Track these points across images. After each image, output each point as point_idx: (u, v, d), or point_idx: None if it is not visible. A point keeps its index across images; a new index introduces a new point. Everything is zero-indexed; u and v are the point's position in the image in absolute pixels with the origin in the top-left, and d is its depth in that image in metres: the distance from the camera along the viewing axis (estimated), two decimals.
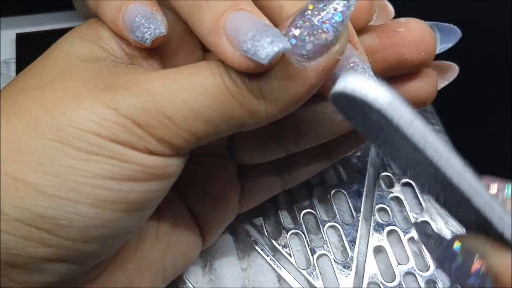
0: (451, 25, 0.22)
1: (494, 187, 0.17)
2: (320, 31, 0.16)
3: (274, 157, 0.24)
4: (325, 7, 0.16)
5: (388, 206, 0.30)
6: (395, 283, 0.27)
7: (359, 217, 0.29)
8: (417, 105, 0.23)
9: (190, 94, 0.16)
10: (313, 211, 0.29)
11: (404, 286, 0.26)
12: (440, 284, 0.27)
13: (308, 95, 0.17)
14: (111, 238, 0.17)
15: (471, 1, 0.33)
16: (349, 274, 0.27)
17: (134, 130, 0.16)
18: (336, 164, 0.32)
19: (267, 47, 0.15)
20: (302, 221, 0.29)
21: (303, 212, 0.29)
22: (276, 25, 0.16)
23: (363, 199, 0.30)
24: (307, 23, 0.16)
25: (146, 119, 0.16)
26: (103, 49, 0.18)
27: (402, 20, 0.20)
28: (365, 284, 0.26)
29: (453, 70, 0.24)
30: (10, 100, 0.17)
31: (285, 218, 0.29)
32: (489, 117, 0.36)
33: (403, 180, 0.31)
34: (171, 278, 0.23)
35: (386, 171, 0.31)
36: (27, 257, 0.15)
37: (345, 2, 0.16)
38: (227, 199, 0.24)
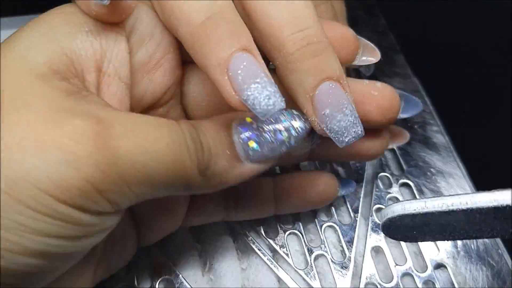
0: (416, 98, 0.25)
1: None
2: (273, 145, 0.19)
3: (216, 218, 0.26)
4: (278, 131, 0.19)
5: (386, 206, 0.30)
6: (392, 284, 0.27)
7: (357, 217, 0.29)
8: (362, 159, 0.27)
9: (151, 162, 0.16)
10: (311, 211, 0.29)
11: (401, 287, 0.27)
12: (438, 285, 0.27)
13: (239, 182, 0.19)
14: (55, 275, 0.17)
15: (471, 1, 0.33)
16: (346, 274, 0.27)
17: (92, 195, 0.15)
18: (335, 164, 0.32)
19: (266, 106, 0.17)
20: (300, 221, 0.29)
21: (301, 212, 0.29)
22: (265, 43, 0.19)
23: (361, 199, 0.30)
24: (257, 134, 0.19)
25: (107, 184, 0.15)
26: (66, 56, 0.17)
27: (378, 84, 0.22)
28: (362, 285, 0.27)
29: (405, 137, 0.27)
30: None
31: (283, 218, 0.29)
32: (489, 117, 0.36)
33: (401, 181, 0.31)
34: (100, 276, 0.22)
35: (384, 171, 0.31)
36: None
37: (295, 134, 0.19)
38: (172, 209, 0.24)
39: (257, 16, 0.19)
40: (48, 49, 0.17)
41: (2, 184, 0.14)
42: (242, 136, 0.19)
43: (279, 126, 0.19)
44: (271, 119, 0.19)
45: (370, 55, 0.24)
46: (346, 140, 0.19)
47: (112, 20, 0.18)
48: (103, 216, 0.16)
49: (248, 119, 0.19)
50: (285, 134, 0.19)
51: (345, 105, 0.18)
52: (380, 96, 0.22)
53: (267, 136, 0.19)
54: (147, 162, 0.16)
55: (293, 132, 0.19)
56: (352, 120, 0.18)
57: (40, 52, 0.16)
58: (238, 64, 0.17)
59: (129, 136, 0.16)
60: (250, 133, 0.19)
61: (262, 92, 0.17)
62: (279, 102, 0.17)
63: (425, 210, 0.17)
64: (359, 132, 0.19)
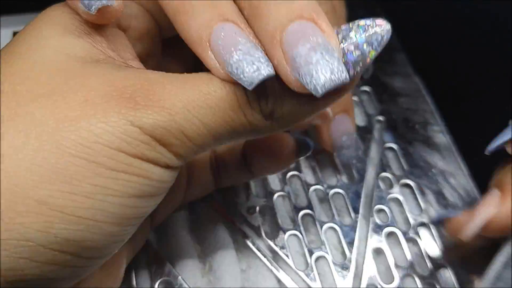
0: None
1: None
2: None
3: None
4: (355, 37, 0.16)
5: (387, 207, 0.29)
6: (394, 285, 0.26)
7: (358, 218, 0.29)
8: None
9: (206, 113, 0.16)
10: (311, 212, 0.29)
11: None
12: (439, 286, 0.27)
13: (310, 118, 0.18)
14: (117, 249, 0.17)
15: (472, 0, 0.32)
16: (347, 275, 0.27)
17: (157, 148, 0.16)
18: (336, 164, 0.31)
19: (252, 74, 0.15)
20: (300, 222, 0.28)
21: (301, 213, 0.29)
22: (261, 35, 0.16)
23: (362, 200, 0.30)
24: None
25: (167, 137, 0.16)
26: (97, 48, 0.18)
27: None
28: (363, 286, 0.26)
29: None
30: (17, 110, 0.15)
31: (283, 219, 0.29)
32: (491, 116, 0.36)
33: (402, 181, 0.31)
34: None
35: (385, 171, 0.31)
36: (47, 279, 0.15)
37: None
38: (177, 183, 0.24)
39: None
40: (80, 43, 0.17)
41: (76, 151, 0.15)
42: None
43: (350, 47, 0.16)
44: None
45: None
46: (322, 83, 0.15)
47: (101, 23, 0.18)
48: (170, 169, 0.17)
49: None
50: (356, 52, 0.16)
51: (321, 44, 0.15)
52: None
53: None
54: (203, 116, 0.16)
55: (366, 48, 0.16)
56: (328, 59, 0.15)
57: (77, 46, 0.17)
58: (218, 36, 0.16)
59: (181, 93, 0.16)
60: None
61: (244, 59, 0.15)
62: (264, 67, 0.15)
63: None
64: (342, 74, 0.15)
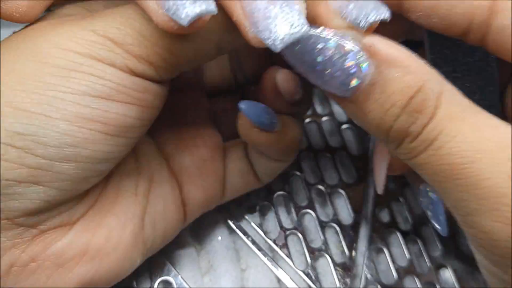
0: None
1: None
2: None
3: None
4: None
5: (387, 206, 0.29)
6: (393, 284, 0.26)
7: (359, 217, 0.29)
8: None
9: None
10: (312, 212, 0.29)
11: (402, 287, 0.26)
12: (439, 286, 0.27)
13: None
14: (87, 160, 0.17)
15: None
16: (347, 275, 0.27)
17: (112, 48, 0.16)
18: (336, 164, 0.31)
19: (188, 6, 0.14)
20: (300, 221, 0.28)
21: (302, 212, 0.29)
22: None
23: (363, 199, 0.30)
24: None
25: (122, 37, 0.16)
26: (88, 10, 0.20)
27: None
28: (363, 285, 0.26)
29: None
30: (18, 36, 0.18)
31: (283, 219, 0.29)
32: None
33: (404, 180, 0.31)
34: (151, 243, 0.23)
35: None
36: (3, 179, 0.16)
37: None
38: (209, 174, 0.24)
39: None
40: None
41: (32, 55, 0.16)
42: None
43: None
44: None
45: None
46: (280, 38, 0.14)
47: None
48: (136, 77, 0.17)
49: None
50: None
51: None
52: None
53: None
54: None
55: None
56: (288, 12, 0.14)
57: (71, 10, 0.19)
58: None
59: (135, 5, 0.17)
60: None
61: None
62: (209, 4, 0.14)
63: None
64: (302, 27, 0.14)
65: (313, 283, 0.26)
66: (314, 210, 0.29)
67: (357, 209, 0.29)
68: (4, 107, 0.15)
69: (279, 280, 0.26)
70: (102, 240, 0.20)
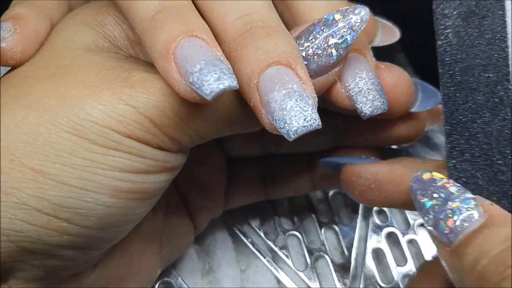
0: (433, 88, 0.21)
1: None
2: (325, 53, 0.17)
3: (255, 154, 0.26)
4: (332, 31, 0.17)
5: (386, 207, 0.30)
6: (393, 285, 0.27)
7: (357, 218, 0.29)
8: (399, 142, 0.23)
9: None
10: (311, 212, 0.29)
11: None
12: None
13: None
14: (125, 224, 0.18)
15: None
16: (347, 275, 0.27)
17: (150, 129, 0.16)
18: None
19: (213, 83, 0.15)
20: (300, 222, 0.29)
21: (301, 213, 0.29)
22: (221, 43, 0.16)
23: None
24: (313, 42, 0.17)
25: (161, 118, 0.16)
26: (106, 38, 0.19)
27: (386, 63, 0.20)
28: (362, 286, 0.26)
29: (395, 33, 0.24)
30: (21, 90, 0.17)
31: (283, 220, 0.29)
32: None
33: None
34: (167, 259, 0.24)
35: None
36: (46, 244, 0.16)
37: (352, 32, 0.17)
38: (213, 188, 0.26)
39: (205, 9, 0.17)
40: (90, 33, 0.19)
41: (68, 128, 0.16)
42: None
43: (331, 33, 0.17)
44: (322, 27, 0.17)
45: (390, 35, 0.22)
46: (294, 129, 0.15)
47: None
48: (165, 151, 0.17)
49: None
50: (334, 51, 0.17)
51: (296, 91, 0.15)
52: (385, 71, 0.19)
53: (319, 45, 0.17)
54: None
55: (347, 31, 0.17)
56: (302, 107, 0.15)
57: (85, 36, 0.18)
58: (184, 48, 0.15)
59: None
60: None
61: (207, 68, 0.15)
62: (227, 77, 0.15)
63: None
64: (314, 122, 0.15)
65: (312, 283, 0.26)
66: (314, 211, 0.29)
67: (356, 210, 0.29)
68: (47, 180, 0.16)
69: (278, 281, 0.26)
70: (124, 269, 0.21)
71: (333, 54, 0.17)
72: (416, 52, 0.37)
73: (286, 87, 0.15)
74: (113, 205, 0.17)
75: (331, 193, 0.30)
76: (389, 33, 0.22)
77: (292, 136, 0.15)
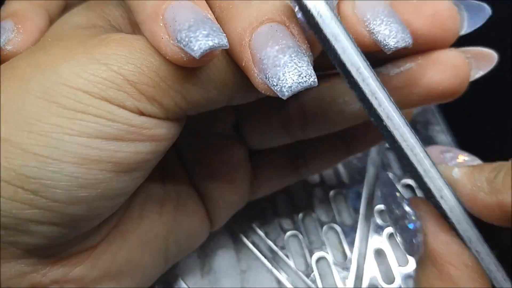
0: (479, 2, 0.19)
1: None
2: None
3: (281, 142, 0.24)
4: None
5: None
6: (395, 285, 0.26)
7: (359, 218, 0.29)
8: (443, 98, 0.20)
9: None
10: (312, 212, 0.29)
11: None
12: None
13: None
14: (100, 200, 0.17)
15: None
16: (348, 276, 0.26)
17: (124, 87, 0.15)
18: (336, 165, 0.31)
19: (201, 39, 0.14)
20: (301, 222, 0.28)
21: (302, 213, 0.29)
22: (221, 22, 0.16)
23: (363, 200, 0.29)
24: None
25: (137, 75, 0.15)
26: (103, 17, 0.18)
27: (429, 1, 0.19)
28: (364, 286, 0.26)
29: (491, 58, 0.20)
30: (5, 66, 0.17)
31: (283, 220, 0.29)
32: (492, 115, 0.35)
33: (403, 181, 0.31)
34: (174, 258, 0.23)
35: (386, 171, 0.31)
36: (15, 218, 0.15)
37: None
38: (236, 182, 0.24)
39: None
40: (86, 13, 0.18)
41: (40, 92, 0.15)
42: None
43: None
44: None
45: (486, 64, 0.20)
46: (288, 85, 0.14)
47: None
48: (145, 116, 0.16)
49: None
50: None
51: (291, 46, 0.15)
52: (430, 13, 0.18)
53: None
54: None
55: None
56: (297, 62, 0.15)
57: (81, 16, 0.18)
58: (174, 10, 0.15)
59: None
60: None
61: (196, 25, 0.14)
62: (217, 35, 0.14)
63: None
64: (309, 77, 0.15)
65: (313, 284, 0.26)
66: (314, 211, 0.29)
67: (358, 210, 0.29)
68: (14, 148, 0.15)
69: (279, 281, 0.26)
70: (123, 262, 0.20)
71: None
72: None
73: (280, 42, 0.15)
74: (81, 176, 0.15)
75: (332, 192, 0.30)
76: (485, 62, 0.20)
77: (286, 93, 0.14)
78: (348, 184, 0.30)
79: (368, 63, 0.15)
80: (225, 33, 0.15)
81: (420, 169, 0.15)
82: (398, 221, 0.16)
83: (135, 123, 0.16)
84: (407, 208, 0.16)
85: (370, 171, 0.31)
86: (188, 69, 0.16)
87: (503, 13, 0.29)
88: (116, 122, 0.15)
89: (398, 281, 0.26)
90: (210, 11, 0.15)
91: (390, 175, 0.31)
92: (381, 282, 0.26)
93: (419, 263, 0.16)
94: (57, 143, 0.15)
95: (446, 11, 0.18)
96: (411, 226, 0.16)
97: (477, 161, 0.19)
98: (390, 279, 0.27)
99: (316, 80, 0.15)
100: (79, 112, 0.15)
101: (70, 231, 0.17)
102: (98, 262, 0.19)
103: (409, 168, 0.16)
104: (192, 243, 0.24)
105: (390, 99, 0.15)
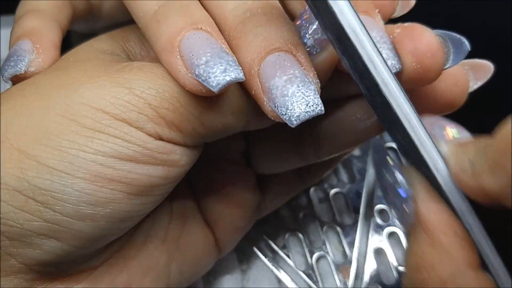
0: (458, 36, 0.19)
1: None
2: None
3: (292, 167, 0.24)
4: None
5: (388, 207, 0.29)
6: (394, 285, 0.26)
7: (359, 218, 0.29)
8: (444, 109, 0.20)
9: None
10: (312, 212, 0.29)
11: None
12: None
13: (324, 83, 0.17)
14: (108, 220, 0.17)
15: (471, 1, 0.32)
16: (348, 275, 0.27)
17: (145, 110, 0.16)
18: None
19: (219, 75, 0.15)
20: (301, 222, 0.28)
21: (302, 212, 0.29)
22: (222, 29, 0.16)
23: (363, 199, 0.30)
24: (306, 24, 0.16)
25: (159, 100, 0.16)
26: (125, 51, 0.19)
27: (403, 25, 0.18)
28: (364, 286, 0.26)
29: (487, 69, 0.20)
30: (27, 82, 0.18)
31: (283, 219, 0.29)
32: (491, 114, 0.35)
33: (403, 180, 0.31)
34: (177, 285, 0.22)
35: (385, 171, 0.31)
36: (22, 229, 0.16)
37: None
38: (244, 207, 0.24)
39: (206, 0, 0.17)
40: (110, 42, 0.19)
41: (61, 110, 0.16)
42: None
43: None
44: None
45: (483, 75, 0.20)
46: (296, 115, 0.15)
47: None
48: (162, 141, 0.16)
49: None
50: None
51: (298, 76, 0.15)
52: (403, 32, 0.18)
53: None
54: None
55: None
56: (304, 92, 0.15)
57: (104, 43, 0.19)
58: (189, 41, 0.15)
59: None
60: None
61: (213, 60, 0.15)
62: (233, 69, 0.15)
63: None
64: (316, 107, 0.15)
65: (313, 283, 0.26)
66: (315, 211, 0.29)
67: (358, 210, 0.29)
68: (30, 160, 0.16)
69: (279, 281, 0.26)
70: (122, 286, 0.19)
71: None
72: None
73: (287, 72, 0.15)
74: (92, 193, 0.16)
75: (332, 192, 0.30)
76: (481, 73, 0.20)
77: (295, 122, 0.15)
78: (348, 183, 0.30)
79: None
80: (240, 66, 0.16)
81: (415, 139, 0.15)
82: (389, 188, 0.16)
83: (151, 146, 0.16)
84: (398, 176, 0.16)
85: (370, 171, 0.31)
86: (206, 96, 0.16)
87: (502, 16, 0.29)
88: (133, 144, 0.16)
89: (398, 280, 0.27)
90: (224, 40, 0.16)
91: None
92: (381, 281, 0.26)
93: (410, 231, 0.16)
94: (72, 158, 0.16)
95: (435, 48, 0.17)
96: (402, 193, 0.16)
97: (464, 133, 0.19)
98: (390, 278, 0.27)
99: (323, 108, 0.15)
100: (97, 132, 0.16)
101: (74, 249, 0.17)
102: (96, 283, 0.19)
103: (403, 140, 0.16)
104: (197, 271, 0.23)
105: (390, 70, 0.15)
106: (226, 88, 0.15)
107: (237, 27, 0.16)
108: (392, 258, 0.27)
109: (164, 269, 0.21)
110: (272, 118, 0.16)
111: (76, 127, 0.16)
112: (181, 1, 0.16)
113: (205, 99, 0.16)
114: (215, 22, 0.17)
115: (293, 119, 0.15)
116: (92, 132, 0.16)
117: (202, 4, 0.17)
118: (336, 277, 0.26)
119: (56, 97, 0.16)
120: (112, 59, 0.18)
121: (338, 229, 0.28)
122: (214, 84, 0.15)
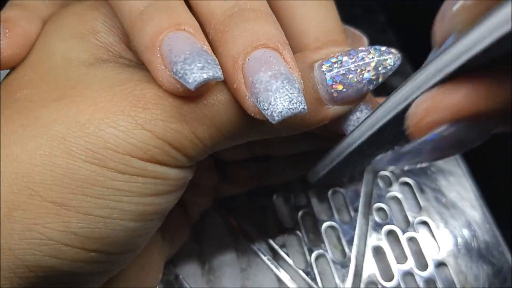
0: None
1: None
2: (359, 80, 0.17)
3: (240, 157, 0.26)
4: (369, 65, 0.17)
5: (386, 205, 0.30)
6: (393, 283, 0.27)
7: (357, 216, 0.29)
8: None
9: (217, 111, 0.16)
10: (311, 211, 0.29)
11: (402, 286, 0.26)
12: (439, 284, 0.27)
13: (322, 124, 0.18)
14: (144, 242, 0.18)
15: None
16: (347, 274, 0.27)
17: (169, 152, 0.16)
18: None
19: (196, 72, 0.14)
20: (300, 220, 0.29)
21: (301, 211, 0.29)
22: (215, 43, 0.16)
23: (361, 198, 0.30)
24: (353, 63, 0.17)
25: (179, 140, 0.16)
26: (103, 47, 0.18)
27: None
28: (363, 284, 0.26)
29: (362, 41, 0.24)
30: (28, 116, 0.16)
31: (283, 218, 0.29)
32: None
33: (401, 179, 0.31)
34: (167, 256, 0.25)
35: (384, 170, 0.31)
36: (76, 275, 0.16)
37: (385, 72, 0.17)
38: (205, 186, 0.26)
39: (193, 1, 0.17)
40: (84, 46, 0.18)
41: (87, 157, 0.15)
42: (326, 77, 0.17)
43: (366, 65, 0.17)
44: (357, 57, 0.17)
45: (358, 44, 0.21)
46: (279, 111, 0.15)
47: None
48: (183, 169, 0.17)
49: (333, 59, 0.17)
50: (372, 72, 0.17)
51: (283, 73, 0.15)
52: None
53: (353, 76, 0.17)
54: (214, 114, 0.16)
55: (381, 69, 0.17)
56: (288, 89, 0.15)
57: (81, 51, 0.17)
58: (170, 41, 0.15)
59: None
60: (335, 74, 0.17)
61: (191, 58, 0.15)
62: (211, 67, 0.15)
63: (341, 157, 0.18)
64: (300, 105, 0.15)
65: (312, 282, 0.26)
66: (313, 209, 0.29)
67: (356, 208, 0.29)
68: (72, 212, 0.15)
69: (279, 279, 0.26)
70: (138, 271, 0.21)
71: (364, 88, 0.17)
72: (415, 50, 0.37)
73: (273, 68, 0.15)
74: (138, 228, 0.17)
75: (330, 191, 0.30)
76: (357, 42, 0.22)
77: (276, 118, 0.15)
78: (347, 182, 0.30)
79: None
80: (219, 55, 0.16)
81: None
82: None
83: (180, 176, 0.17)
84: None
85: (368, 170, 0.31)
86: (221, 124, 0.16)
87: None
88: (167, 180, 0.17)
89: (396, 278, 0.27)
90: (206, 42, 0.16)
91: (388, 173, 0.31)
92: (379, 280, 0.27)
93: None
94: (116, 204, 0.16)
95: None
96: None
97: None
98: (388, 277, 0.27)
99: (305, 107, 0.15)
100: (134, 175, 0.16)
101: (107, 276, 0.18)
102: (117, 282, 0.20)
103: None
104: (180, 237, 0.26)
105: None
106: (204, 88, 0.15)
107: (224, 20, 0.16)
108: (390, 256, 0.27)
109: (160, 236, 0.23)
110: (252, 114, 0.16)
111: (110, 174, 0.15)
112: (167, 1, 0.16)
113: (218, 129, 0.16)
114: (202, 19, 0.16)
115: (275, 115, 0.15)
116: (129, 176, 0.16)
117: (190, 3, 0.17)
118: (335, 275, 0.27)
119: (74, 140, 0.15)
120: (109, 74, 0.17)
121: (337, 227, 0.28)
122: (190, 81, 0.14)
